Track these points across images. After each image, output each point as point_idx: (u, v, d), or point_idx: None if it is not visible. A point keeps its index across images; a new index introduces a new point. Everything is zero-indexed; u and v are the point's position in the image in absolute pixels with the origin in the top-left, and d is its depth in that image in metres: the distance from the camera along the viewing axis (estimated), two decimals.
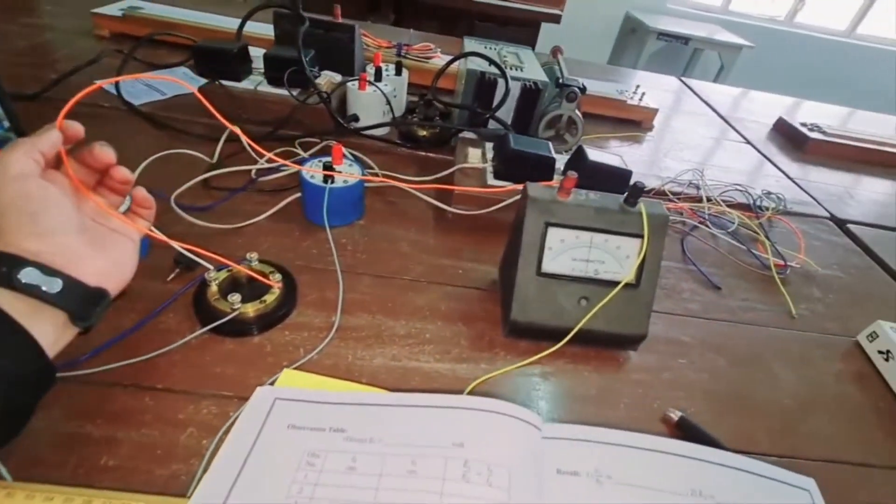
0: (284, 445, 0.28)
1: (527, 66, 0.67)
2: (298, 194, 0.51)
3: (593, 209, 0.39)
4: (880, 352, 0.47)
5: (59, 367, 0.27)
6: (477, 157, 0.59)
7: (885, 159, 0.95)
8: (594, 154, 0.52)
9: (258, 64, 0.64)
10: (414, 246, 0.50)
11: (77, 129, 0.29)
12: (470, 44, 0.70)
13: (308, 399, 0.32)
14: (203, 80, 0.62)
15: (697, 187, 0.69)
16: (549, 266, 0.39)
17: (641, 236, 0.39)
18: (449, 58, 0.65)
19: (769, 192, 0.70)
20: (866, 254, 0.66)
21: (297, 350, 0.37)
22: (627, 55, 3.07)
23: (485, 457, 0.28)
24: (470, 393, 0.36)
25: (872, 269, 0.63)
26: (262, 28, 0.75)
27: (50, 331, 0.26)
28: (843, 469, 0.37)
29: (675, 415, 0.37)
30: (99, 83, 0.33)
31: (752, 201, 0.68)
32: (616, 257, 0.40)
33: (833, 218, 0.73)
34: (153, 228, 0.34)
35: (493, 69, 0.61)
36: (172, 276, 0.40)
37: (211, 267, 0.38)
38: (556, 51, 0.72)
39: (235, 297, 0.37)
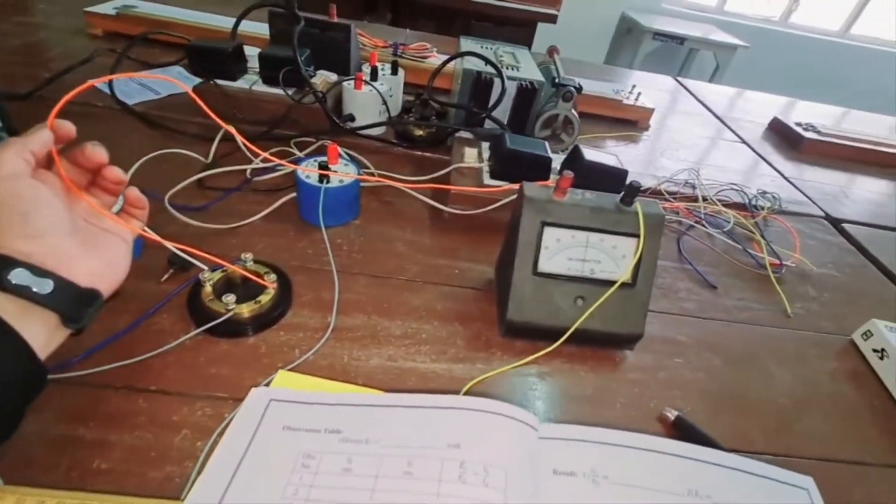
0: (279, 447, 0.28)
1: (523, 65, 0.67)
2: (294, 194, 0.50)
3: (589, 209, 0.39)
4: (875, 350, 0.47)
5: (51, 368, 0.27)
6: (473, 156, 0.59)
7: (879, 159, 0.96)
8: (590, 154, 0.52)
9: (253, 63, 0.64)
10: (410, 246, 0.50)
11: (69, 128, 0.29)
12: (466, 43, 0.70)
13: (303, 400, 0.31)
14: (198, 80, 0.62)
15: (693, 187, 0.69)
16: (545, 266, 0.39)
17: (637, 236, 0.39)
18: (445, 57, 0.65)
19: (764, 192, 0.71)
20: (861, 253, 0.66)
21: (292, 351, 0.36)
22: (623, 55, 3.08)
23: (481, 457, 0.28)
24: (466, 393, 0.36)
25: (867, 267, 0.63)
26: (257, 27, 0.75)
27: (41, 332, 0.25)
28: (839, 467, 0.37)
29: (672, 414, 0.37)
30: (91, 81, 0.32)
31: (747, 201, 0.68)
32: (612, 257, 0.40)
33: (828, 217, 0.73)
34: (146, 228, 0.34)
35: (490, 69, 0.61)
36: (166, 276, 0.40)
37: (205, 267, 0.38)
38: (552, 50, 0.72)
39: (230, 298, 0.36)
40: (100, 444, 0.29)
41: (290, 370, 0.35)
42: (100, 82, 0.34)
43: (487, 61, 0.61)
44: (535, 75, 0.64)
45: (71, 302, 0.26)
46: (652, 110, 0.90)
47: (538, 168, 0.52)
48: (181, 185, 0.49)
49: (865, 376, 0.46)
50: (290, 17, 0.63)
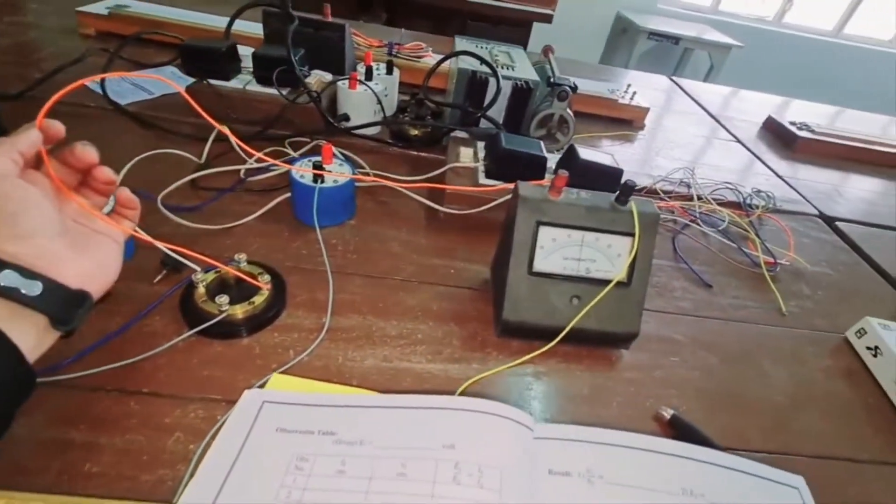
0: (273, 449, 0.28)
1: (518, 65, 0.67)
2: (288, 194, 0.50)
3: (584, 208, 0.39)
4: (868, 348, 0.47)
5: (41, 371, 0.26)
6: (468, 156, 0.59)
7: (873, 157, 0.96)
8: (585, 153, 0.52)
9: (247, 63, 0.63)
10: (405, 246, 0.49)
11: (58, 128, 0.28)
12: (461, 43, 0.70)
13: (297, 402, 0.31)
14: (191, 80, 0.62)
15: (688, 186, 0.69)
16: (540, 265, 0.39)
17: (632, 235, 0.39)
18: (440, 57, 0.65)
19: (759, 191, 0.71)
20: (854, 251, 0.66)
21: (286, 352, 0.36)
22: (619, 55, 3.09)
23: (476, 458, 0.28)
24: (462, 393, 0.36)
25: (860, 265, 0.64)
26: (250, 27, 0.74)
27: (30, 334, 0.25)
28: (834, 465, 0.37)
29: (668, 413, 0.37)
30: (82, 80, 0.32)
31: (742, 199, 0.68)
32: (607, 256, 0.40)
33: (822, 215, 0.74)
34: (138, 229, 0.33)
35: (485, 68, 0.61)
36: (159, 277, 0.39)
37: (198, 268, 0.38)
38: (547, 50, 0.72)
39: (223, 299, 0.36)
40: (91, 448, 0.28)
41: (284, 371, 0.34)
42: (91, 81, 0.33)
43: (483, 61, 0.61)
44: (531, 75, 0.64)
45: (60, 304, 0.26)
46: (647, 110, 0.90)
47: (533, 167, 0.52)
48: (174, 186, 0.48)
49: (859, 374, 0.46)
50: (284, 17, 0.62)
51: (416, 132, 0.66)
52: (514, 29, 1.88)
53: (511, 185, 0.41)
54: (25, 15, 0.85)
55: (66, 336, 0.27)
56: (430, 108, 0.67)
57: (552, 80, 0.64)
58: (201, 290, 0.37)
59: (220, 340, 0.36)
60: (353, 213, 0.52)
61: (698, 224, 0.62)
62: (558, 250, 0.39)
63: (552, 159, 0.55)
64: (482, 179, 0.54)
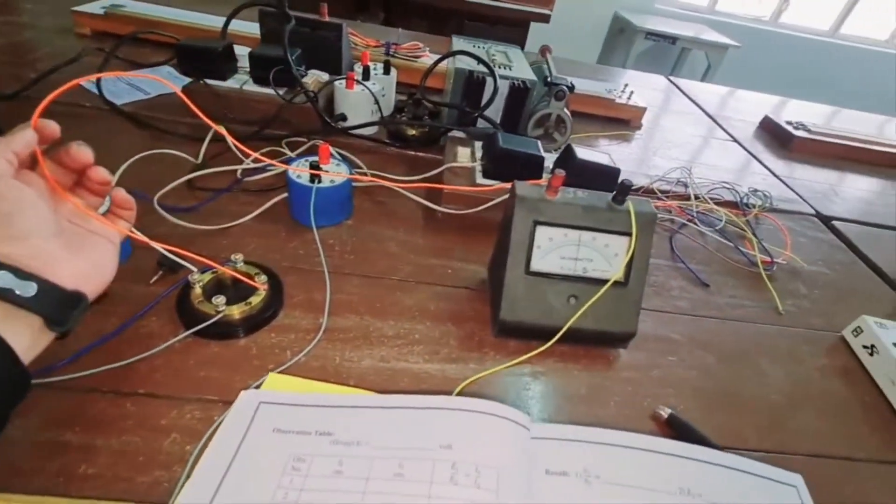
0: (269, 450, 0.28)
1: (515, 64, 0.67)
2: (285, 195, 0.50)
3: (581, 207, 0.39)
4: (865, 346, 0.47)
5: (37, 373, 0.26)
6: (466, 156, 0.59)
7: (869, 157, 0.97)
8: (583, 152, 0.52)
9: (244, 63, 0.63)
10: (403, 246, 0.49)
11: (53, 128, 0.28)
12: (458, 42, 0.70)
13: (294, 402, 0.31)
14: (187, 80, 0.61)
15: (685, 185, 0.69)
16: (537, 265, 0.39)
17: (629, 234, 0.39)
18: (438, 57, 0.65)
19: (756, 190, 0.71)
20: (850, 250, 0.67)
21: (283, 352, 0.36)
22: (616, 55, 3.09)
23: (473, 458, 0.27)
24: (459, 393, 0.36)
25: (856, 264, 0.64)
26: (247, 26, 0.74)
27: (25, 336, 0.25)
28: (830, 463, 0.37)
29: (665, 412, 0.37)
30: (77, 80, 0.32)
31: (739, 199, 0.68)
32: (605, 255, 0.40)
33: (818, 215, 0.74)
34: (134, 230, 0.33)
35: (482, 68, 0.61)
36: (155, 278, 0.39)
37: (195, 269, 0.38)
38: (544, 50, 0.72)
39: (220, 300, 0.36)
40: (86, 449, 0.28)
41: (281, 372, 0.34)
42: (86, 80, 0.33)
43: (480, 60, 0.61)
44: (528, 74, 0.64)
45: (55, 305, 0.26)
46: (644, 109, 0.91)
47: (531, 167, 0.52)
48: (171, 186, 0.48)
49: (856, 372, 0.46)
50: (280, 17, 0.62)
51: (413, 132, 0.66)
52: (512, 29, 1.88)
53: (508, 185, 0.41)
54: (20, 15, 0.85)
55: (61, 337, 0.27)
56: (427, 108, 0.67)
57: (549, 79, 0.64)
58: (198, 290, 0.37)
59: (216, 341, 0.36)
60: (351, 214, 0.52)
61: (695, 223, 0.62)
62: (555, 250, 0.39)
63: (549, 159, 0.55)
64: (479, 179, 0.54)
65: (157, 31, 0.75)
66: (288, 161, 0.49)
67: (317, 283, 0.42)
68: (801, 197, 0.78)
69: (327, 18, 0.68)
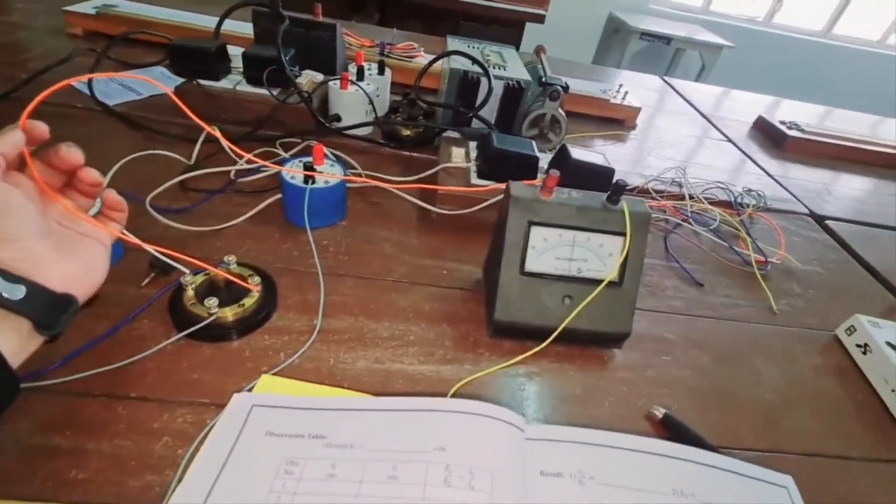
0: (262, 453, 0.28)
1: (510, 64, 0.67)
2: (279, 195, 0.50)
3: (576, 208, 0.39)
4: (858, 345, 0.47)
5: (26, 377, 0.26)
6: (461, 156, 0.59)
7: (862, 157, 0.97)
8: (577, 153, 0.52)
9: (237, 63, 0.63)
10: (397, 246, 0.49)
11: (41, 129, 0.28)
12: (453, 43, 0.70)
13: (287, 405, 0.31)
14: (180, 80, 0.61)
15: (680, 185, 0.69)
16: (532, 265, 0.39)
17: (624, 234, 0.39)
18: (432, 57, 0.65)
19: (750, 190, 0.71)
20: (844, 249, 0.67)
21: (277, 354, 0.36)
22: (611, 55, 3.10)
23: (467, 460, 0.27)
24: (454, 394, 0.35)
25: (850, 263, 0.64)
26: (240, 26, 0.74)
27: (13, 339, 0.25)
28: (824, 462, 0.37)
29: (660, 412, 0.37)
30: (68, 81, 0.31)
31: (733, 198, 0.69)
32: (599, 255, 0.40)
33: (812, 214, 0.74)
34: (125, 231, 0.33)
35: (476, 68, 0.61)
36: (147, 280, 0.39)
37: (187, 271, 0.37)
38: (539, 50, 0.72)
39: (213, 302, 0.36)
40: (77, 454, 0.28)
41: (274, 374, 0.34)
42: (77, 81, 0.33)
43: (474, 60, 0.61)
44: (522, 75, 0.64)
45: (44, 308, 0.25)
46: (639, 109, 0.91)
47: (525, 167, 0.52)
48: (163, 187, 0.48)
49: (849, 371, 0.46)
50: (274, 17, 0.62)
51: (407, 132, 0.66)
52: (507, 29, 1.89)
53: (503, 186, 0.41)
54: (11, 14, 0.84)
55: (50, 341, 0.27)
56: (421, 109, 0.67)
57: (544, 79, 0.64)
58: (190, 292, 0.37)
59: (209, 343, 0.36)
60: (345, 214, 0.52)
61: (690, 223, 0.62)
62: (550, 250, 0.39)
63: (544, 159, 0.55)
64: (474, 179, 0.54)
65: (149, 31, 0.75)
66: (282, 162, 0.49)
67: (311, 285, 0.42)
68: (794, 196, 0.78)
69: (321, 18, 0.68)
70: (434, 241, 0.51)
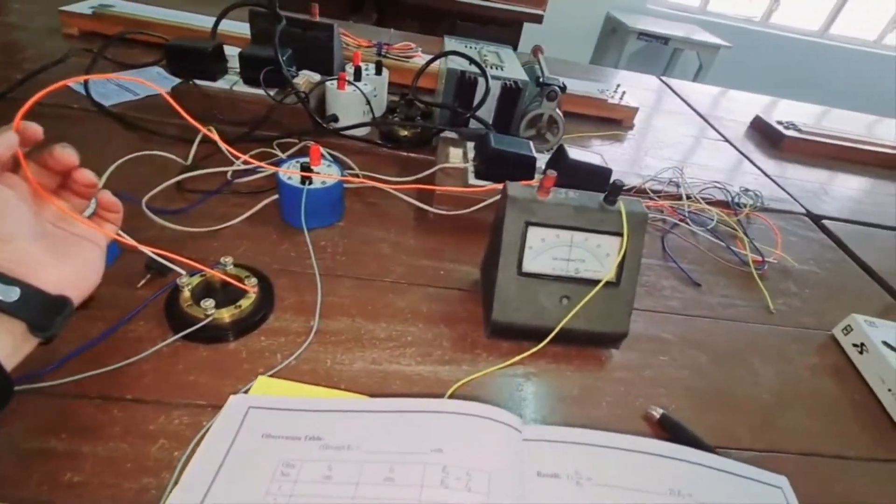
0: (258, 455, 0.28)
1: (507, 65, 0.67)
2: (276, 196, 0.50)
3: (573, 208, 0.39)
4: (854, 345, 0.47)
5: (20, 379, 0.26)
6: (458, 156, 0.58)
7: (858, 156, 0.98)
8: (575, 153, 0.52)
9: (234, 63, 0.63)
10: (394, 247, 0.49)
11: (35, 130, 0.28)
12: (450, 43, 0.70)
13: (283, 407, 0.31)
14: (177, 80, 0.61)
15: (677, 185, 0.69)
16: (529, 266, 0.39)
17: (621, 234, 0.39)
18: (430, 57, 0.65)
19: (747, 190, 0.71)
20: (841, 249, 0.67)
21: (273, 356, 0.36)
22: (609, 55, 3.10)
23: (464, 462, 0.27)
24: (452, 395, 0.35)
25: (846, 263, 0.64)
26: (237, 26, 0.74)
27: (7, 341, 0.25)
28: (821, 462, 0.38)
29: (657, 412, 0.37)
30: (63, 81, 0.31)
31: (730, 198, 0.69)
32: (596, 256, 0.40)
33: (809, 214, 0.74)
34: (121, 233, 0.33)
35: (474, 68, 0.61)
36: (143, 282, 0.39)
37: (183, 272, 0.37)
38: (536, 50, 0.72)
39: (209, 303, 0.36)
40: (72, 457, 0.28)
41: (271, 375, 0.34)
42: (73, 82, 0.33)
43: (472, 61, 0.61)
44: (519, 75, 0.64)
45: (39, 310, 0.25)
46: (636, 109, 0.91)
47: (523, 167, 0.52)
48: (159, 188, 0.48)
49: (846, 371, 0.46)
50: (271, 17, 0.62)
51: (405, 133, 0.66)
52: (504, 29, 1.89)
53: (500, 186, 0.41)
54: (8, 15, 0.84)
55: (45, 343, 0.27)
56: (419, 109, 0.67)
57: (541, 80, 0.64)
58: (186, 294, 0.37)
59: (205, 345, 0.35)
60: (342, 215, 0.52)
61: (687, 223, 0.62)
62: (547, 251, 0.39)
63: (541, 159, 0.55)
64: (472, 180, 0.54)
65: (145, 31, 0.74)
66: (279, 162, 0.49)
67: (308, 286, 0.42)
68: (791, 196, 0.78)
69: (318, 18, 0.68)
70: (431, 241, 0.51)
